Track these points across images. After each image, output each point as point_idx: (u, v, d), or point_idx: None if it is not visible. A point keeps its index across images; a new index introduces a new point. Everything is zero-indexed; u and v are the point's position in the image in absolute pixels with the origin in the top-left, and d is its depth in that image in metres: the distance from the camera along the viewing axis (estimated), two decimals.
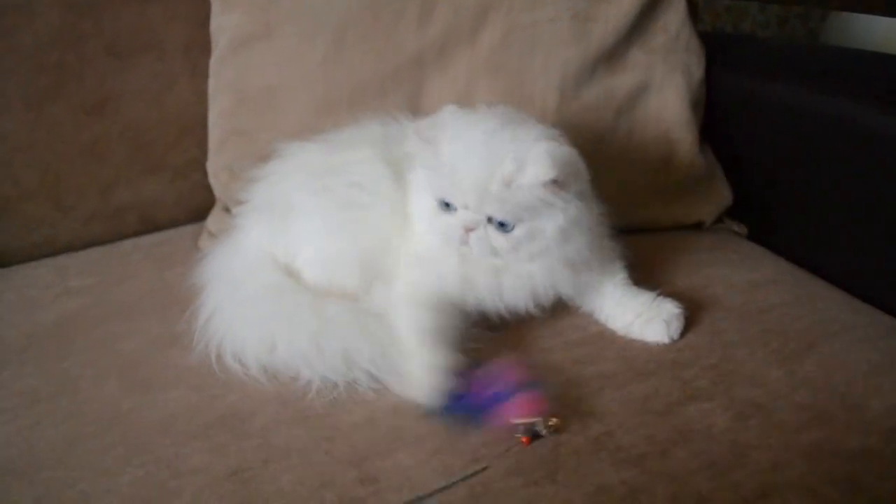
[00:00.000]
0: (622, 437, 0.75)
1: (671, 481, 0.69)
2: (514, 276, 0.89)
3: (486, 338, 0.89)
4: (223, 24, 1.17)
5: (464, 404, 0.77)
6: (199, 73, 1.21)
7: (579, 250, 0.88)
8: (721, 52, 1.24)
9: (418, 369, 0.81)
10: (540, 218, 0.84)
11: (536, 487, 0.69)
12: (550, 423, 0.75)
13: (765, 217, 1.20)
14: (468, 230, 0.85)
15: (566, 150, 0.84)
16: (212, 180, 1.21)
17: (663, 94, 1.17)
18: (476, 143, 0.83)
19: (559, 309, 0.95)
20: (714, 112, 1.23)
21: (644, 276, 0.97)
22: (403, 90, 1.13)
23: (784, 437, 0.74)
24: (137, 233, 1.26)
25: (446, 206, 0.86)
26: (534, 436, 0.74)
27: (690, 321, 0.92)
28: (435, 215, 0.88)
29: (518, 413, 0.75)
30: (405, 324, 0.86)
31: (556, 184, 0.82)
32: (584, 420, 0.77)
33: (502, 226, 0.84)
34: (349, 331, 0.86)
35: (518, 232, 0.85)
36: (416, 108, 1.11)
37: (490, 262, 0.88)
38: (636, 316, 0.91)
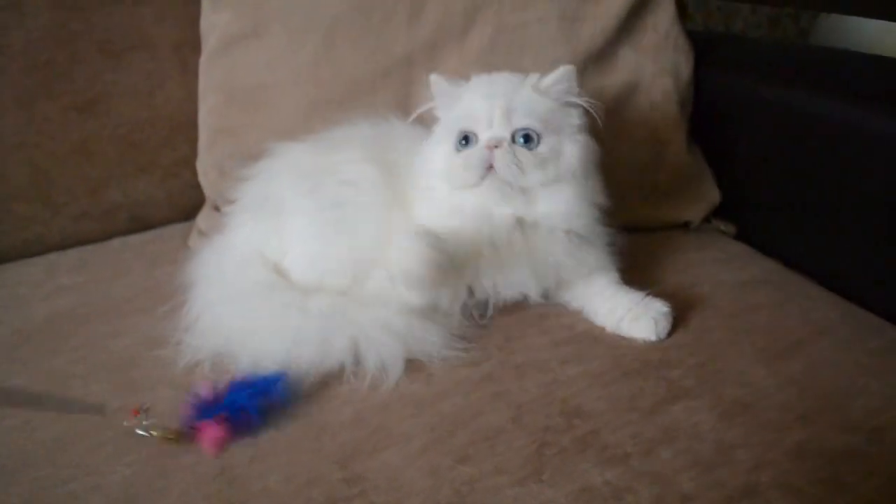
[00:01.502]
0: (608, 435, 0.75)
1: (656, 480, 0.70)
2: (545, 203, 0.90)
3: (475, 335, 0.90)
4: (213, 23, 1.17)
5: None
6: (190, 71, 1.22)
7: (597, 191, 0.93)
8: (710, 51, 1.25)
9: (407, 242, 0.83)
10: (563, 138, 0.89)
11: (521, 487, 0.69)
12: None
13: (753, 217, 1.21)
14: (493, 148, 0.86)
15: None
16: (201, 179, 1.21)
17: (652, 95, 1.17)
18: (499, 74, 0.93)
19: (547, 307, 0.95)
20: (702, 112, 1.23)
21: (632, 275, 0.98)
22: (393, 90, 1.14)
23: (769, 436, 0.75)
24: (128, 231, 1.26)
25: (465, 142, 0.89)
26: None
27: (678, 320, 0.92)
28: (454, 156, 0.90)
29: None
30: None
31: (576, 106, 0.89)
32: (569, 419, 0.77)
33: (527, 142, 0.87)
34: (337, 325, 0.86)
35: (543, 148, 0.88)
36: (406, 107, 1.11)
37: (511, 205, 0.89)
38: (625, 313, 0.92)
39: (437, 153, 0.92)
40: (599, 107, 0.90)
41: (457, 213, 0.90)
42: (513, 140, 0.87)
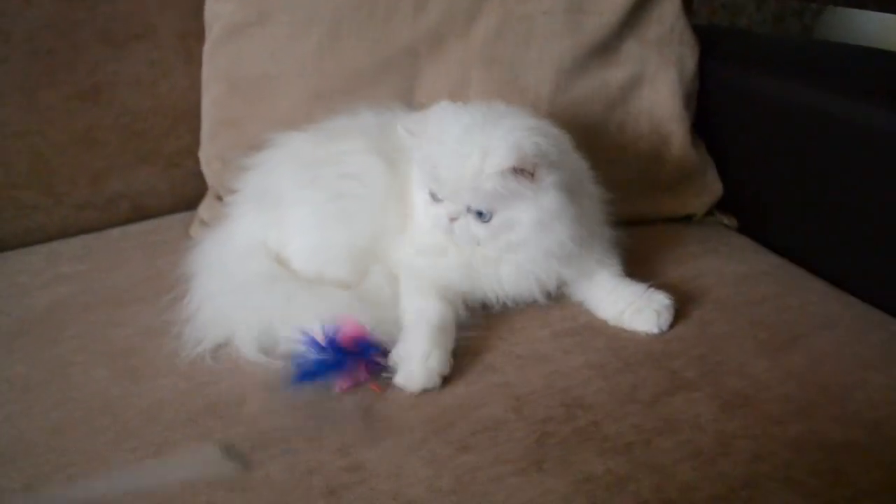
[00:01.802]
0: (609, 426, 0.75)
1: (657, 470, 0.70)
2: (512, 265, 0.91)
3: (477, 325, 0.90)
4: (217, 12, 1.17)
5: (316, 370, 0.80)
6: (194, 61, 1.21)
7: (561, 243, 0.89)
8: (714, 45, 1.24)
9: (416, 364, 0.81)
10: (515, 208, 0.86)
11: (523, 476, 0.69)
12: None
13: (755, 210, 1.20)
14: (451, 219, 0.87)
15: (535, 140, 0.85)
16: (204, 168, 1.21)
17: (656, 87, 1.17)
18: (452, 137, 0.86)
19: (548, 300, 0.95)
20: (706, 105, 1.23)
21: (635, 267, 0.98)
22: (397, 81, 1.13)
23: (770, 428, 0.75)
24: (129, 220, 1.26)
25: (435, 196, 0.88)
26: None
27: (679, 312, 0.92)
28: (427, 205, 0.90)
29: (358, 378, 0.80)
30: (411, 314, 0.87)
31: (523, 173, 0.83)
32: (570, 410, 0.77)
33: (481, 215, 0.86)
34: (340, 315, 0.86)
35: (496, 221, 0.87)
36: (410, 98, 1.11)
37: (477, 252, 0.90)
38: (627, 305, 0.92)
39: (418, 194, 0.92)
40: (554, 155, 0.86)
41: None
42: (469, 210, 0.87)
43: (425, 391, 0.80)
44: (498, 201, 0.85)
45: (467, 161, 0.84)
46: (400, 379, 0.81)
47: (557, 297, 0.95)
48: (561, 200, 0.87)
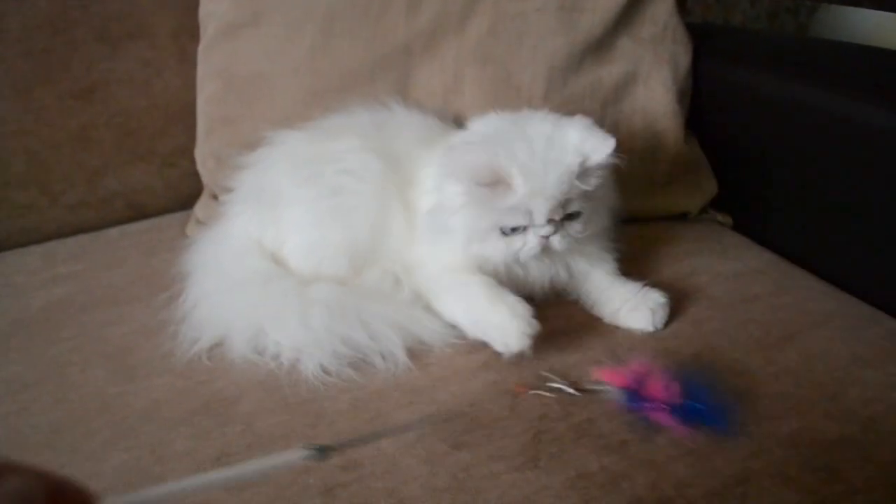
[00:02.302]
0: (604, 424, 0.75)
1: (652, 467, 0.70)
2: (549, 261, 0.92)
3: None
4: (212, 11, 1.17)
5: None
6: (188, 60, 1.22)
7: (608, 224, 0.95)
8: (708, 42, 1.25)
9: (505, 318, 0.83)
10: (594, 197, 0.88)
11: (518, 473, 0.69)
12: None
13: (750, 208, 1.21)
14: (546, 237, 0.86)
15: (592, 122, 0.88)
16: (199, 167, 1.21)
17: (650, 85, 1.17)
18: (540, 163, 0.83)
19: (543, 299, 0.96)
20: (700, 103, 1.23)
21: (630, 265, 0.98)
22: (392, 79, 1.13)
23: (764, 424, 0.75)
24: (125, 220, 1.26)
25: (515, 228, 0.86)
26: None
27: (674, 310, 0.92)
28: (496, 241, 0.87)
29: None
30: (463, 295, 0.88)
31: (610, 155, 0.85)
32: (565, 407, 0.77)
33: (574, 215, 0.87)
34: (336, 312, 0.86)
35: (586, 214, 0.88)
36: (404, 96, 1.11)
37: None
38: (622, 303, 0.92)
39: (472, 235, 0.88)
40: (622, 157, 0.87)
41: (474, 263, 0.90)
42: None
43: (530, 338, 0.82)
44: (588, 198, 0.87)
45: (570, 170, 0.83)
46: (499, 346, 0.83)
47: (553, 296, 0.96)
48: (614, 191, 0.93)
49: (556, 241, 0.87)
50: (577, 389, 0.79)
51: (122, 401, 0.82)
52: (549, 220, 0.85)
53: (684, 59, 1.20)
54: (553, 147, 0.84)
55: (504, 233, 0.86)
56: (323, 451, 0.52)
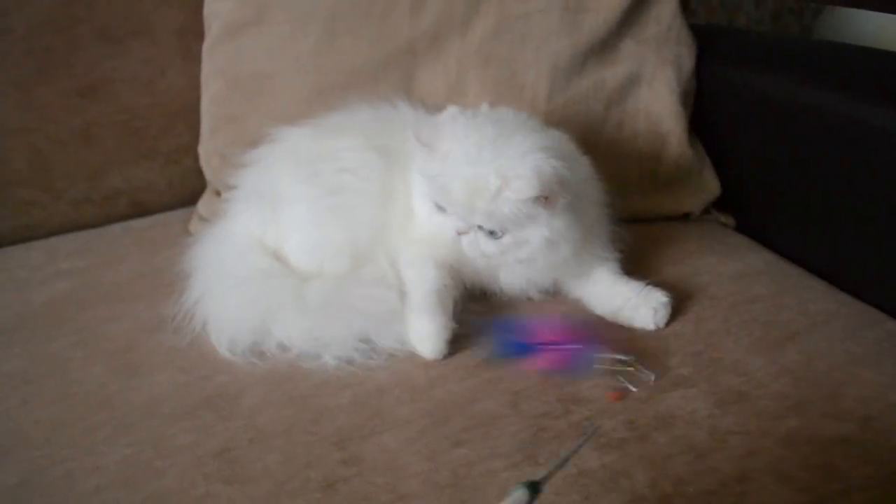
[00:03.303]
0: (604, 421, 0.75)
1: (651, 465, 0.70)
2: (510, 269, 0.92)
3: (477, 311, 0.92)
4: (216, 10, 1.17)
5: (512, 343, 0.83)
6: (192, 58, 1.22)
7: (566, 259, 0.91)
8: (711, 44, 1.25)
9: (420, 330, 0.85)
10: (526, 229, 0.87)
11: (518, 470, 0.70)
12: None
13: (752, 209, 1.21)
14: (460, 233, 0.88)
15: (553, 165, 0.83)
16: (203, 165, 1.21)
17: (654, 86, 1.17)
18: (465, 156, 0.84)
19: (545, 296, 0.96)
20: (703, 104, 1.23)
21: (632, 264, 0.98)
22: (395, 78, 1.14)
23: (763, 423, 0.75)
24: (128, 217, 1.26)
25: (441, 208, 0.88)
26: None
27: (676, 309, 0.93)
28: (431, 212, 0.90)
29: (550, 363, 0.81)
30: (412, 282, 0.90)
31: (541, 199, 0.84)
32: (565, 405, 0.78)
33: (491, 233, 0.87)
34: (337, 308, 0.86)
35: (506, 240, 0.87)
36: (408, 96, 1.11)
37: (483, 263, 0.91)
38: (625, 302, 0.92)
39: (419, 199, 0.92)
40: (568, 181, 0.85)
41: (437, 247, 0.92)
42: (480, 227, 0.87)
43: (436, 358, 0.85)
44: (511, 223, 0.86)
45: (484, 185, 0.83)
46: (415, 345, 0.86)
47: (554, 293, 0.96)
48: (570, 220, 0.88)
49: (465, 242, 0.88)
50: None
51: (124, 396, 0.82)
52: (469, 222, 0.86)
53: (688, 60, 1.20)
54: (488, 151, 0.84)
55: (439, 208, 0.88)
56: (534, 487, 0.53)
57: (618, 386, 0.80)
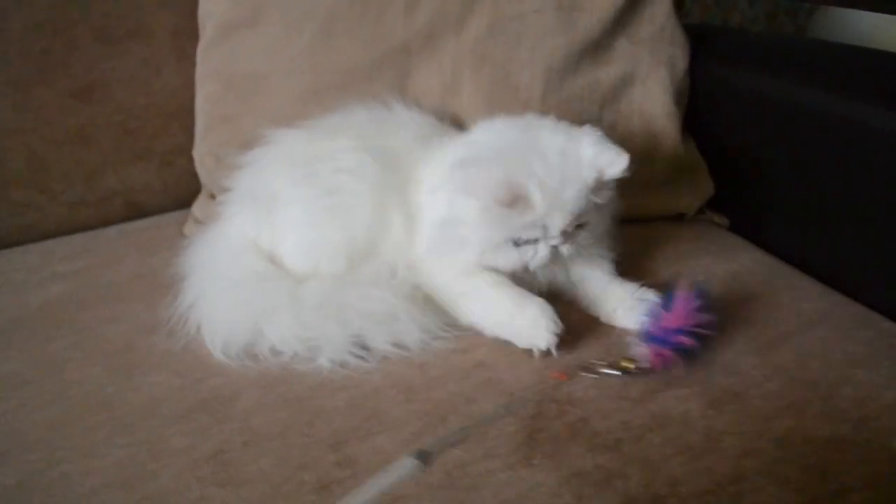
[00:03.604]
0: (598, 422, 0.76)
1: (645, 466, 0.70)
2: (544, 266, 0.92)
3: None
4: (211, 11, 1.17)
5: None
6: (187, 59, 1.22)
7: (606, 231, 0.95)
8: (706, 44, 1.25)
9: (533, 318, 0.85)
10: (597, 212, 0.89)
11: (513, 471, 0.70)
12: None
13: (746, 209, 1.21)
14: (559, 247, 0.88)
15: (602, 134, 0.89)
16: (198, 166, 1.22)
17: (648, 86, 1.18)
18: (556, 174, 0.84)
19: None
20: (698, 104, 1.24)
21: (626, 265, 0.98)
22: (389, 78, 1.14)
23: (757, 424, 0.76)
24: (124, 218, 1.27)
25: (527, 239, 0.87)
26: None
27: None
28: (508, 251, 0.88)
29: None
30: (485, 293, 0.89)
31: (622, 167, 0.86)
32: (560, 406, 0.78)
33: (580, 226, 0.88)
34: (332, 310, 0.87)
35: (591, 222, 0.89)
36: (402, 96, 1.11)
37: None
38: (619, 303, 0.92)
39: (484, 239, 0.88)
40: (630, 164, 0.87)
41: (482, 268, 0.91)
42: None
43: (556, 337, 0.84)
44: (594, 209, 0.88)
45: (585, 185, 0.84)
46: (526, 344, 0.85)
47: (550, 295, 0.96)
48: (616, 201, 0.92)
49: (566, 250, 0.88)
50: (614, 369, 0.82)
51: (120, 398, 0.82)
52: (563, 232, 0.86)
53: (682, 60, 1.20)
54: (568, 161, 0.85)
55: (517, 244, 0.87)
56: (423, 457, 0.53)
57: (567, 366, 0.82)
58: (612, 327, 0.92)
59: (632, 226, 1.05)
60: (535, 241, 0.87)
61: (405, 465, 0.54)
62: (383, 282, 0.91)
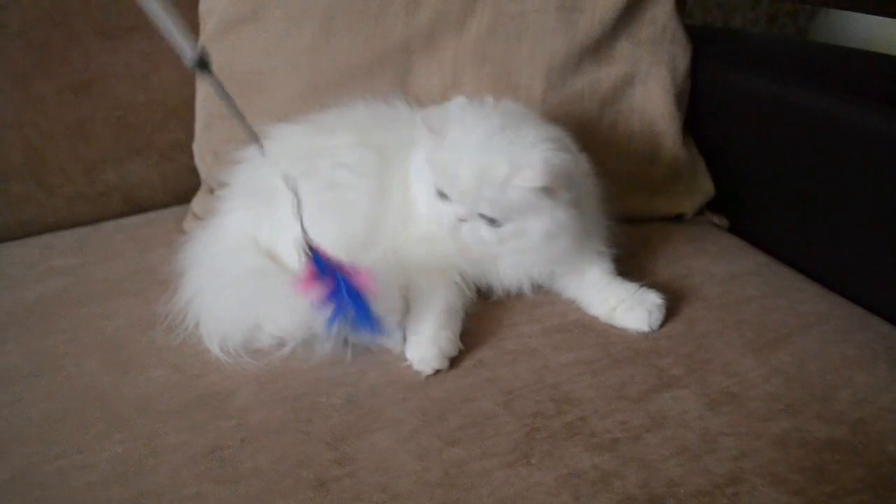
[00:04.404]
0: (596, 422, 0.76)
1: (643, 466, 0.70)
2: (510, 262, 0.93)
3: (467, 322, 0.91)
4: (212, 7, 1.17)
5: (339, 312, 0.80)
6: None
7: (565, 251, 0.92)
8: (707, 45, 1.25)
9: (424, 343, 0.84)
10: (528, 219, 0.87)
11: (510, 470, 0.70)
12: None
13: (745, 210, 1.21)
14: (461, 220, 0.88)
15: (561, 157, 0.86)
16: (197, 162, 1.21)
17: (648, 87, 1.18)
18: (475, 143, 0.86)
19: (539, 296, 0.96)
20: (698, 105, 1.24)
21: (625, 265, 0.99)
22: (390, 76, 1.14)
23: (755, 425, 0.76)
24: (122, 214, 1.26)
25: (443, 194, 0.89)
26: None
27: (669, 310, 0.93)
28: (433, 201, 0.91)
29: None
30: (419, 297, 0.89)
31: (547, 190, 0.85)
32: (559, 405, 0.78)
33: (492, 221, 0.87)
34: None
35: (507, 228, 0.88)
36: (403, 94, 1.11)
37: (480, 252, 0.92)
38: (619, 303, 0.92)
39: (422, 187, 0.93)
40: (578, 177, 0.88)
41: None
42: (481, 215, 0.88)
43: (435, 372, 0.83)
44: (514, 211, 0.87)
45: (493, 171, 0.84)
46: (412, 359, 0.84)
47: (547, 292, 0.96)
48: (572, 215, 0.89)
49: (465, 230, 0.89)
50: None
51: (117, 393, 0.82)
52: (472, 209, 0.87)
53: (683, 61, 1.20)
54: (498, 140, 0.86)
55: (441, 196, 0.89)
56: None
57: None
58: (610, 327, 0.92)
59: (631, 226, 1.05)
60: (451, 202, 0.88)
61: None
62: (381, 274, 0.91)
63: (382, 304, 0.82)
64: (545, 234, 0.88)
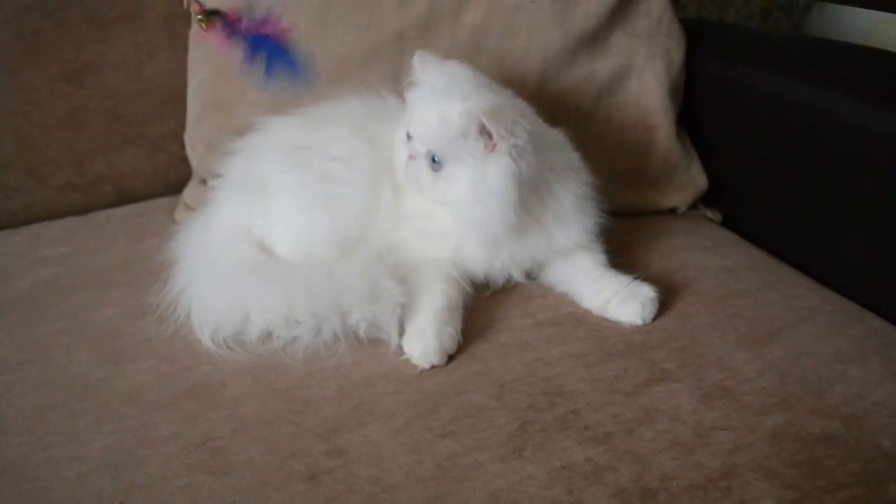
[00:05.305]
0: (589, 415, 0.76)
1: (636, 460, 0.70)
2: (474, 241, 0.93)
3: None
4: None
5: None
6: (179, 44, 1.20)
7: (490, 221, 0.89)
8: (702, 38, 1.25)
9: (426, 337, 0.84)
10: (462, 165, 0.88)
11: (503, 463, 0.70)
12: None
13: (739, 204, 1.21)
14: (410, 157, 0.90)
15: (514, 113, 0.87)
16: (189, 152, 1.20)
17: (643, 80, 1.17)
18: (432, 93, 0.90)
19: (532, 290, 0.96)
20: (692, 98, 1.23)
21: (619, 258, 0.98)
22: (384, 67, 1.13)
23: (748, 419, 0.76)
24: (113, 204, 1.25)
25: (409, 135, 0.91)
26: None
27: (662, 304, 0.93)
28: (401, 144, 0.92)
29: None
30: (422, 294, 0.89)
31: (485, 132, 0.85)
32: (552, 398, 0.78)
33: (434, 163, 0.88)
34: (321, 297, 0.86)
35: (443, 172, 0.89)
36: (397, 84, 1.10)
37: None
38: (613, 295, 0.92)
39: (398, 132, 0.94)
40: (522, 133, 0.87)
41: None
42: (427, 153, 0.89)
43: (433, 367, 0.83)
44: (453, 151, 0.87)
45: (444, 102, 0.87)
46: (412, 353, 0.84)
47: (539, 285, 0.96)
48: (505, 184, 0.87)
49: (409, 167, 0.91)
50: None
51: (107, 384, 0.81)
52: (424, 145, 0.89)
53: (678, 54, 1.20)
54: (446, 94, 0.89)
55: (408, 139, 0.91)
56: None
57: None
58: (603, 320, 0.92)
59: (624, 219, 1.05)
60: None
61: None
62: (373, 265, 0.90)
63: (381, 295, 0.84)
64: (470, 186, 0.87)
